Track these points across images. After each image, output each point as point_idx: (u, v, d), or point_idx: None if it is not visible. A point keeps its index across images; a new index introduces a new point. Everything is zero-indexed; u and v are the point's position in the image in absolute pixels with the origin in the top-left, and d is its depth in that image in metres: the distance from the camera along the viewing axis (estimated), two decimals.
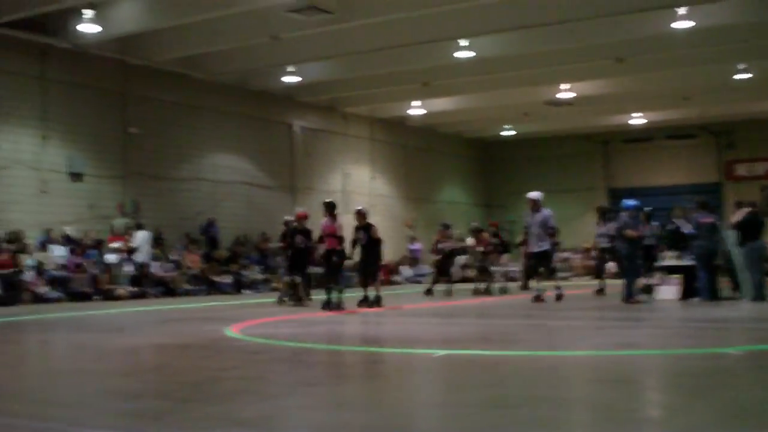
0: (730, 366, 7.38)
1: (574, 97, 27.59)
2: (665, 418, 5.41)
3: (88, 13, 18.45)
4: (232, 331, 10.58)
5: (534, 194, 16.48)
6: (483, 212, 34.56)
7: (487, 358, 8.16)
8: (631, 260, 15.44)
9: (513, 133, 35.51)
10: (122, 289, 19.84)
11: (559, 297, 16.13)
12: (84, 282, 19.50)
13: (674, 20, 19.22)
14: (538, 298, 15.87)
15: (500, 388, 6.49)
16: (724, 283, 15.79)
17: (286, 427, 4.99)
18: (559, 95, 27.39)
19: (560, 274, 30.29)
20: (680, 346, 8.34)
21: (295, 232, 16.34)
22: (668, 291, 16.23)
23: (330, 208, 15.06)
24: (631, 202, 15.79)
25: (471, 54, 21.76)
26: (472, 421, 5.13)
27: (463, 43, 21.38)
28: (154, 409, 5.70)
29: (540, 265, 16.81)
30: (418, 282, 29.10)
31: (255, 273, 23.95)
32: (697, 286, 15.59)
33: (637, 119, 32.76)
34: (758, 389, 6.30)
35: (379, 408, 5.75)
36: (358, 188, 29.84)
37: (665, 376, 7.05)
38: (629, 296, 15.06)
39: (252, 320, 11.81)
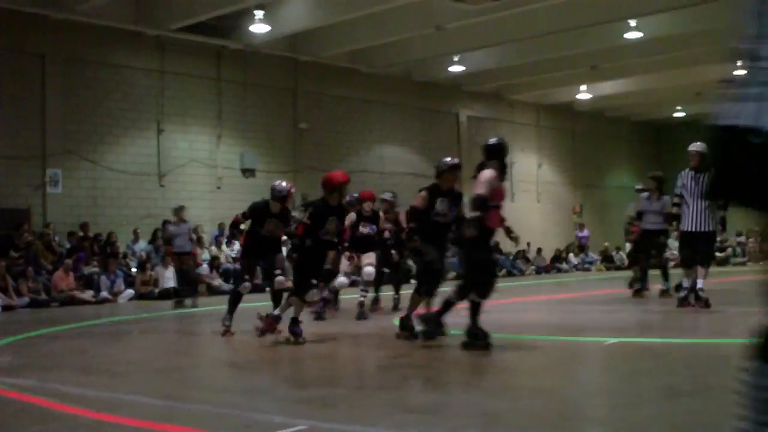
0: None
1: None
2: None
3: (258, 13, 19.02)
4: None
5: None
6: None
7: (656, 345, 7.99)
8: None
9: (683, 114, 34.40)
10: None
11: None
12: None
13: None
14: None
15: (673, 377, 6.35)
16: None
17: (458, 415, 5.02)
18: (734, 72, 26.33)
19: (736, 260, 29.28)
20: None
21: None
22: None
23: None
24: None
25: (639, 35, 21.21)
26: (647, 411, 5.03)
27: (631, 23, 20.86)
28: (328, 396, 5.83)
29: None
30: (587, 269, 28.68)
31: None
32: None
33: None
34: None
35: (548, 396, 5.72)
36: (526, 176, 29.61)
37: None
38: None
39: (421, 309, 11.90)
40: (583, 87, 28.98)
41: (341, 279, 11.59)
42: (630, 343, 8.21)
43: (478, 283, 7.77)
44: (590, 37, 22.44)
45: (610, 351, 7.78)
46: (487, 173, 7.70)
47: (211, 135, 21.64)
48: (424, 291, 8.80)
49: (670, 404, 5.31)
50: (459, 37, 22.06)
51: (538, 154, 31.05)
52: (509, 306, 13.13)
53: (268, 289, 11.36)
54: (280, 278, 9.82)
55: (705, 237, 10.68)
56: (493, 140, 8.12)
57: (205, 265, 19.32)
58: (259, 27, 19.55)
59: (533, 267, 27.31)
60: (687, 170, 11.01)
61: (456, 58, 24.12)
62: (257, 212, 9.75)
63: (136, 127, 20.43)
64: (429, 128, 27.27)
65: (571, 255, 29.53)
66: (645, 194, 13.61)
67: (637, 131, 36.09)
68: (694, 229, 10.61)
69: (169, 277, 17.94)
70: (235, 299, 9.68)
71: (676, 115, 34.61)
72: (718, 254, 26.00)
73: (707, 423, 4.78)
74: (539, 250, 28.03)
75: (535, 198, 30.22)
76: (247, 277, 9.81)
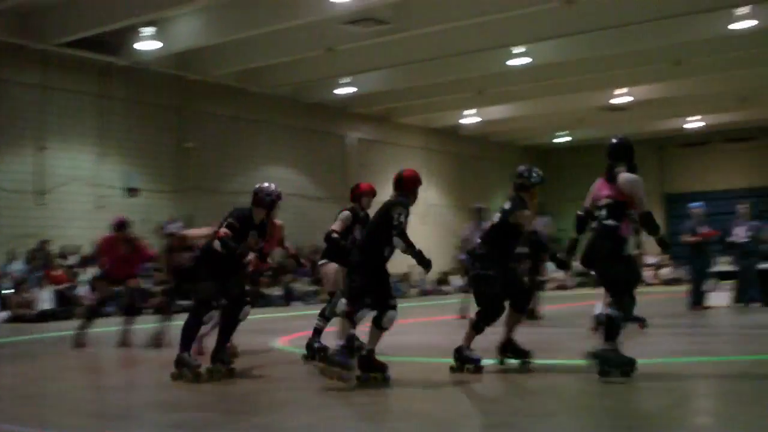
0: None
1: (630, 102, 27.26)
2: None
3: (148, 30, 18.66)
4: (280, 343, 10.59)
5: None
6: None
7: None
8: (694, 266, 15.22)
9: (568, 139, 35.21)
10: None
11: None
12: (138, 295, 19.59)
13: (732, 21, 18.89)
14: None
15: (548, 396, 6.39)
16: None
17: None
18: (615, 100, 27.07)
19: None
20: (741, 353, 8.19)
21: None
22: (720, 297, 15.98)
23: None
24: (696, 205, 15.56)
25: (526, 60, 21.59)
26: None
27: (516, 50, 21.23)
28: (199, 420, 5.76)
29: None
30: (467, 291, 28.93)
31: (305, 285, 23.96)
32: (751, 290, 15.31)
33: (694, 123, 32.25)
34: None
35: (423, 419, 5.72)
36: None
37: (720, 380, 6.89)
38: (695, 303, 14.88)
39: (301, 332, 11.80)
40: (470, 111, 29.36)
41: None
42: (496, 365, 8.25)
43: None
44: (477, 63, 22.77)
45: (486, 371, 7.78)
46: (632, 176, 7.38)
47: (94, 153, 21.09)
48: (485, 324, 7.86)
49: (542, 424, 5.39)
50: (349, 59, 22.09)
51: (425, 176, 31.14)
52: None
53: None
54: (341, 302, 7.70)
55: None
56: (618, 138, 7.83)
57: (84, 287, 18.73)
58: (147, 44, 19.20)
59: (417, 289, 27.45)
60: None
61: (345, 80, 24.14)
62: (243, 222, 8.05)
63: (16, 143, 19.76)
64: (317, 150, 27.22)
65: (454, 277, 29.76)
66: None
67: (522, 155, 36.68)
68: None
69: (45, 299, 17.36)
70: (193, 332, 7.96)
71: (558, 140, 35.38)
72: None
73: None
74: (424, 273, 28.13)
75: (420, 220, 30.40)
76: (248, 299, 8.21)
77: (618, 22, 19.36)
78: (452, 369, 7.69)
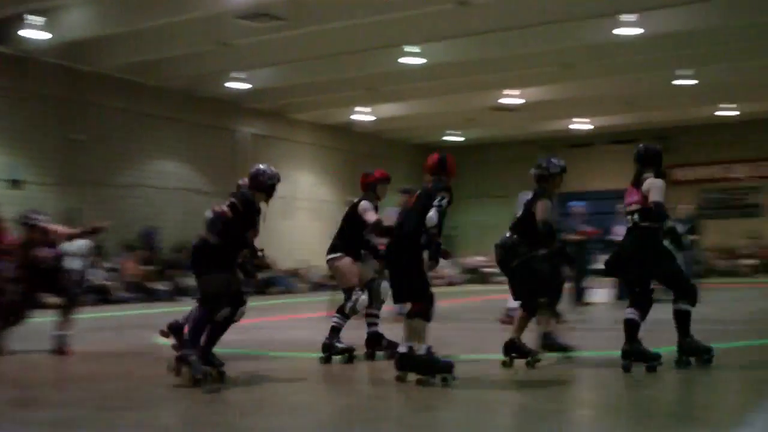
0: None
1: (521, 103, 27.79)
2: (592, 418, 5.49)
3: (33, 19, 18.14)
4: (163, 339, 10.51)
5: None
6: None
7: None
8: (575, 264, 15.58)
9: (460, 138, 35.68)
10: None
11: None
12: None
13: (618, 27, 19.44)
14: None
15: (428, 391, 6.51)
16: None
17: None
18: (505, 101, 27.55)
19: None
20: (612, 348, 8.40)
21: None
22: (601, 294, 16.46)
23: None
24: (577, 204, 15.93)
25: (419, 60, 21.79)
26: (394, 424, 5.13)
27: (408, 49, 21.40)
28: (71, 416, 5.69)
29: None
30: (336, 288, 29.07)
31: (193, 280, 23.67)
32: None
33: (582, 124, 33.12)
34: (684, 387, 6.44)
35: (303, 412, 5.81)
36: (303, 194, 29.75)
37: (588, 375, 7.13)
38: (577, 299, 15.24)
39: (186, 327, 11.71)
40: (363, 108, 29.48)
41: (363, 297, 8.47)
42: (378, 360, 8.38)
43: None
44: (371, 60, 22.89)
45: (372, 366, 7.87)
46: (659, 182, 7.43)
47: None
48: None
49: (424, 416, 5.49)
50: (243, 54, 21.95)
51: (317, 173, 31.28)
52: (277, 324, 13.19)
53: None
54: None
55: None
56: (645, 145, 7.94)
57: None
58: (34, 33, 18.65)
59: (308, 284, 27.45)
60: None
61: (239, 75, 23.94)
62: (249, 207, 7.33)
63: None
64: (209, 144, 26.94)
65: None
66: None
67: (414, 153, 36.97)
68: None
69: None
70: (203, 329, 7.25)
71: (449, 138, 35.81)
72: None
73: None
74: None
75: (312, 216, 30.37)
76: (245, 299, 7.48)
77: (509, 24, 19.73)
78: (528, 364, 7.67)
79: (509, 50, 21.94)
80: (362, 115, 29.99)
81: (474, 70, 23.93)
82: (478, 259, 30.82)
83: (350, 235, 8.41)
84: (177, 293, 22.62)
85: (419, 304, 6.77)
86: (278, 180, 7.49)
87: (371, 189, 8.55)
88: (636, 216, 7.42)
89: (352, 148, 33.00)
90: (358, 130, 32.79)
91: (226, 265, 7.24)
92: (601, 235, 16.13)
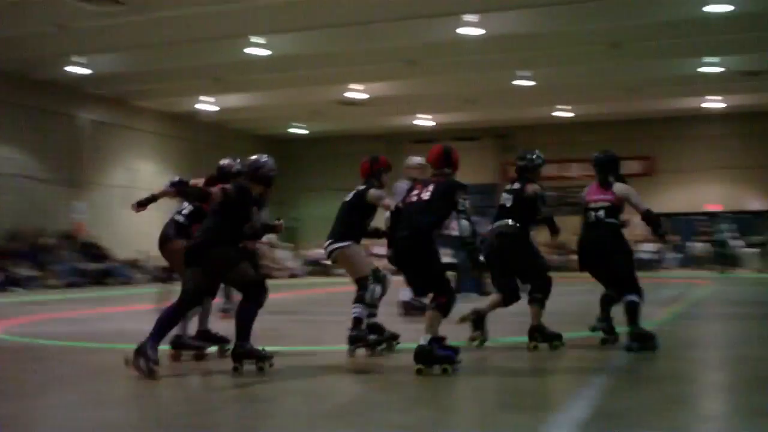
0: (483, 355, 8.04)
1: (367, 98, 28.07)
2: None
3: None
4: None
5: None
6: (275, 209, 34.52)
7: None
8: None
9: (306, 131, 35.73)
10: None
11: None
12: None
13: (461, 27, 19.90)
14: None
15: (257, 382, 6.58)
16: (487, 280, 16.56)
17: (35, 427, 4.95)
18: (351, 95, 27.78)
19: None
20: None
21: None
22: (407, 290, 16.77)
23: None
24: None
25: (265, 51, 21.71)
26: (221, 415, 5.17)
27: (254, 39, 21.30)
28: None
29: None
30: (165, 280, 28.79)
31: (27, 270, 22.97)
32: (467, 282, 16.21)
33: (425, 120, 33.73)
34: (515, 377, 6.73)
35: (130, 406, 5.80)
36: (144, 183, 29.16)
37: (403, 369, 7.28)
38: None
39: (20, 318, 11.37)
40: (208, 98, 29.14)
41: (378, 287, 8.21)
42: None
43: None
44: (216, 50, 22.67)
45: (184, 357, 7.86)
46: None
47: None
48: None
49: (246, 409, 5.58)
50: (82, 37, 21.31)
51: (159, 162, 30.72)
52: (113, 315, 13.01)
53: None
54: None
55: None
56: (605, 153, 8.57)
57: None
58: None
59: (147, 275, 26.98)
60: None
61: (79, 60, 23.23)
62: (245, 196, 7.04)
63: None
64: (46, 130, 26.05)
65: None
66: None
67: (259, 144, 36.79)
68: None
69: None
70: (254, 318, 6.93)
71: (295, 131, 35.83)
72: None
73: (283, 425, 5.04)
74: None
75: (153, 206, 29.77)
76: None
77: (355, 20, 19.92)
78: (534, 348, 8.09)
79: (354, 45, 22.16)
80: (207, 104, 29.64)
81: (319, 63, 24.03)
82: (320, 252, 30.94)
83: (356, 223, 8.13)
84: (9, 283, 21.85)
85: (443, 298, 6.80)
86: (276, 171, 7.34)
87: (376, 176, 8.21)
88: (602, 213, 8.18)
89: (196, 138, 32.57)
90: (202, 120, 32.37)
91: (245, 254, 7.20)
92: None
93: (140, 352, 6.57)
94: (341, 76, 26.03)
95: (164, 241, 8.06)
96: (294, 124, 34.92)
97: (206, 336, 7.96)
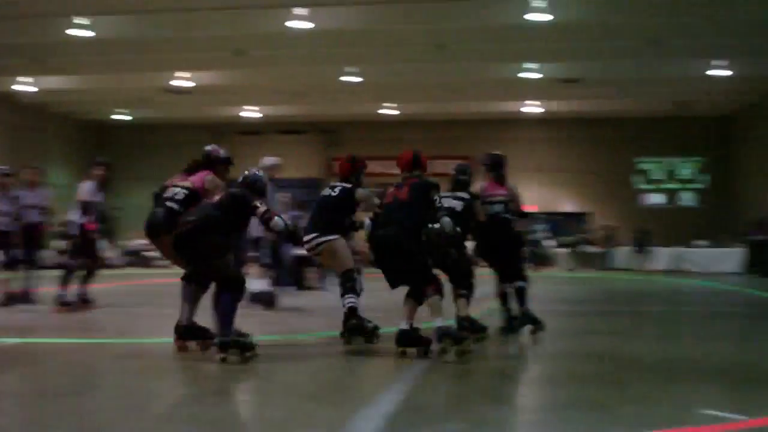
0: (299, 350, 8.25)
1: (193, 87, 27.62)
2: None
3: None
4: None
5: None
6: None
7: (59, 347, 8.09)
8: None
9: (129, 118, 34.83)
10: None
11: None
12: None
13: (290, 19, 19.89)
14: None
15: (59, 378, 6.48)
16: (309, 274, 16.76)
17: None
18: (178, 83, 27.27)
19: (161, 262, 30.30)
20: (262, 333, 8.73)
21: None
22: (259, 283, 16.85)
23: None
24: None
25: (88, 33, 20.99)
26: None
27: (78, 20, 20.59)
28: None
29: None
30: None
31: None
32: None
33: (253, 112, 33.52)
34: (330, 372, 6.87)
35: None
36: None
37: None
38: None
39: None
40: (26, 79, 27.93)
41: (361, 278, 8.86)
42: (26, 345, 8.18)
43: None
44: (35, 28, 21.74)
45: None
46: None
47: None
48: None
49: (57, 404, 5.47)
50: None
51: None
52: None
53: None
54: None
55: None
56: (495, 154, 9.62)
57: None
58: None
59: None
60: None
61: None
62: (242, 207, 7.69)
63: None
64: None
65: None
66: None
67: (81, 130, 35.67)
68: None
69: None
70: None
71: (118, 117, 34.89)
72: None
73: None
74: None
75: None
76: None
77: (184, 5, 19.62)
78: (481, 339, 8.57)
79: (182, 32, 21.75)
80: (25, 85, 28.40)
81: (145, 48, 23.46)
82: (140, 242, 30.28)
83: (340, 218, 8.41)
84: None
85: (434, 285, 7.44)
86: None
87: (357, 175, 8.66)
88: (499, 207, 9.09)
89: (12, 120, 31.17)
90: (20, 101, 31.00)
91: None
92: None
93: (225, 346, 7.01)
94: (167, 63, 25.51)
95: (156, 232, 8.00)
96: (118, 110, 33.96)
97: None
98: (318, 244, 8.31)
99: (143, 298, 14.66)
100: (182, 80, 26.96)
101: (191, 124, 34.61)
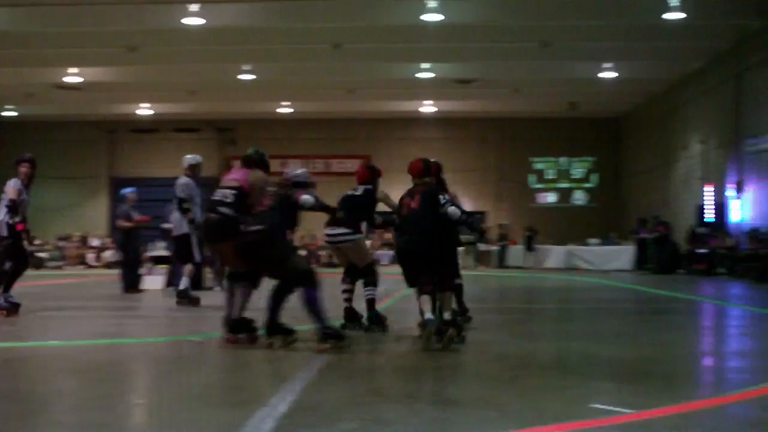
0: (194, 352, 8.14)
1: (83, 83, 26.99)
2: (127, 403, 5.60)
3: None
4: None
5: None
6: None
7: None
8: (127, 250, 15.65)
9: (15, 113, 33.80)
10: None
11: None
12: None
13: (185, 16, 19.62)
14: None
15: None
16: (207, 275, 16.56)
17: None
18: (68, 79, 26.60)
19: (53, 263, 29.57)
20: (158, 335, 8.63)
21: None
22: (155, 281, 16.68)
23: None
24: (128, 190, 15.93)
25: None
26: None
27: None
28: None
29: None
30: None
31: None
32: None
33: (145, 110, 32.96)
34: (214, 372, 6.82)
35: None
36: None
37: (132, 362, 7.30)
38: (128, 286, 15.23)
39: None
40: None
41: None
42: None
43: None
44: None
45: None
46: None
47: None
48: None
49: None
50: None
51: None
52: None
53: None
54: None
55: None
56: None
57: None
58: None
59: None
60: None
61: None
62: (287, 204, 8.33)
63: None
64: None
65: None
66: None
67: None
68: None
69: None
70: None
71: (9, 114, 33.85)
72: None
73: None
74: None
75: None
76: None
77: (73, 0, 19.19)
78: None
79: (73, 26, 21.24)
80: None
81: (34, 43, 22.86)
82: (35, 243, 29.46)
83: (364, 216, 9.33)
84: None
85: (451, 282, 8.51)
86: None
87: (373, 181, 9.49)
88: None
89: None
90: None
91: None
92: (157, 222, 16.27)
93: (327, 335, 7.62)
94: (58, 58, 24.86)
95: (216, 239, 8.27)
96: (6, 106, 32.94)
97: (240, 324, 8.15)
98: (344, 241, 9.24)
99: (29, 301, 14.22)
100: (73, 76, 26.32)
101: (82, 121, 33.86)
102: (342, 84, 28.29)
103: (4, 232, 10.87)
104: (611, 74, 26.00)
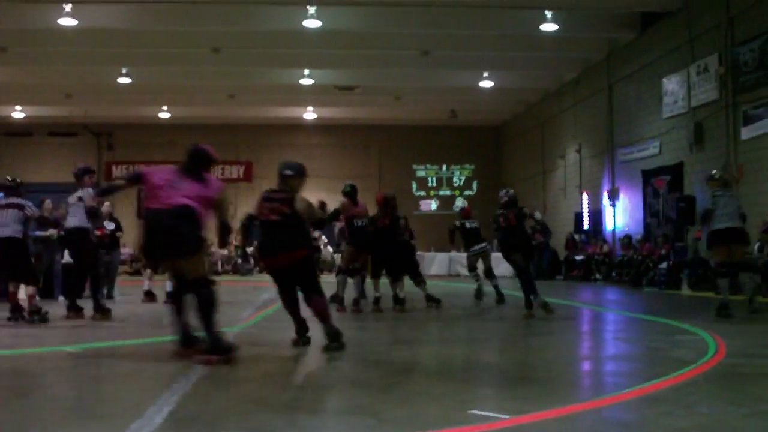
0: (65, 363, 7.92)
1: None
2: None
3: None
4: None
5: None
6: None
7: None
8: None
9: None
10: None
11: None
12: None
13: (60, 16, 19.09)
14: None
15: None
16: None
17: None
18: None
19: None
20: (26, 346, 8.33)
21: None
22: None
23: None
24: None
25: None
26: None
27: None
28: None
29: None
30: None
31: None
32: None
33: (18, 113, 31.96)
34: (97, 383, 6.63)
35: None
36: None
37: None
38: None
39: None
40: None
41: None
42: None
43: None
44: None
45: None
46: None
47: None
48: None
49: None
50: None
51: None
52: None
53: None
54: None
55: None
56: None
57: None
58: None
59: None
60: None
61: None
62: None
63: None
64: None
65: None
66: None
67: None
68: None
69: None
70: None
71: None
72: None
73: None
74: None
75: None
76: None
77: None
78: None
79: None
80: None
81: None
82: None
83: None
84: None
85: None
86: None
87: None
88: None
89: None
90: None
91: None
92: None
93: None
94: None
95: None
96: None
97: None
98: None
99: None
100: None
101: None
102: (222, 89, 28.01)
103: None
104: (490, 83, 26.45)
